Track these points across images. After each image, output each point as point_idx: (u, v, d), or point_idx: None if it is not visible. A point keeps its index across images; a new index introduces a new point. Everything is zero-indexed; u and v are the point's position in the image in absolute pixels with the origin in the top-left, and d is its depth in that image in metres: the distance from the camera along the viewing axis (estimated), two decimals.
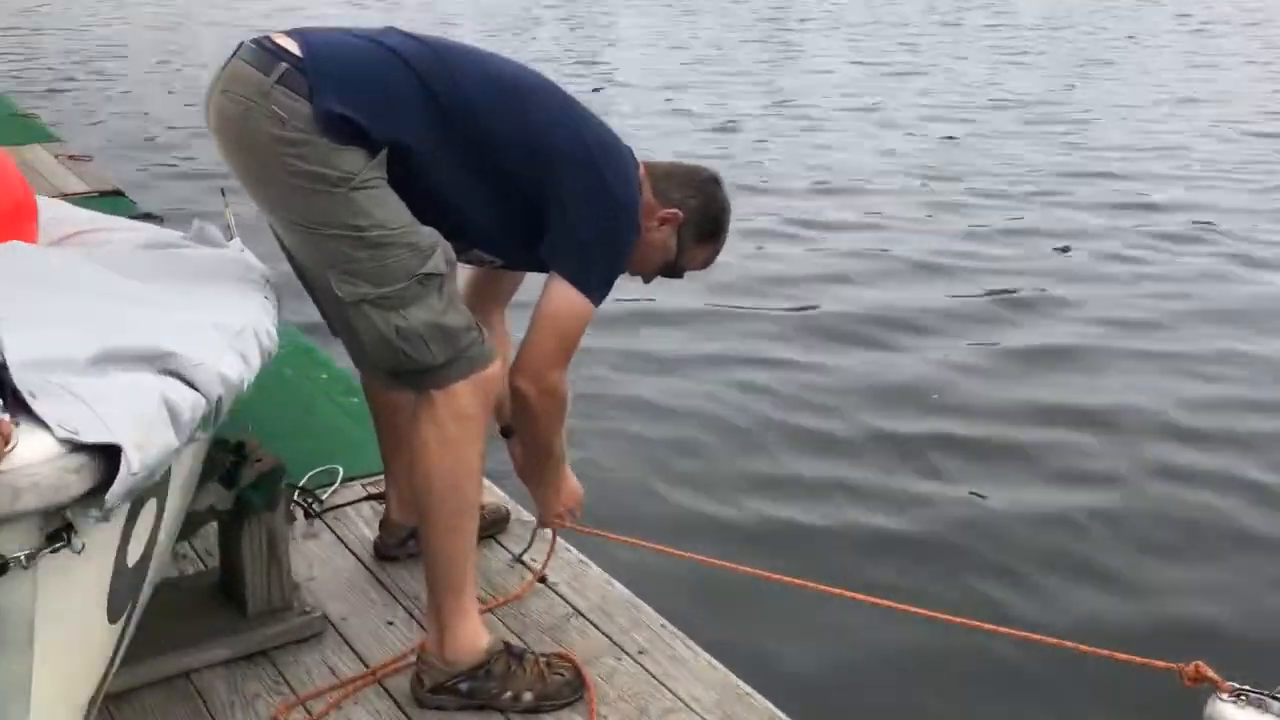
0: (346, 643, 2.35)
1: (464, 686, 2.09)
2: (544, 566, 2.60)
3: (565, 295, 2.08)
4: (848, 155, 9.20)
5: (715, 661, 2.32)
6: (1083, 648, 1.93)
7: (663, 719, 2.14)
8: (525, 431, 2.28)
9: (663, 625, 2.43)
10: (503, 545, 2.73)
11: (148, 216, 5.74)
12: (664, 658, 2.32)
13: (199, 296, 1.82)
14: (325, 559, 2.66)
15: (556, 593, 2.54)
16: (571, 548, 2.70)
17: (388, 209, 1.94)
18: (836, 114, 11.03)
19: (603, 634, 2.40)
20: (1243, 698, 1.58)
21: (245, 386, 1.62)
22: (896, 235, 7.06)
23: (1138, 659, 1.83)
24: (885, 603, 2.20)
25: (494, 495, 2.93)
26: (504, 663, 2.12)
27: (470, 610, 2.10)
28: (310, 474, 2.98)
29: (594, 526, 2.61)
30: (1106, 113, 11.10)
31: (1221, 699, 1.60)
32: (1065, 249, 6.82)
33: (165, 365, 1.42)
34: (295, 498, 2.87)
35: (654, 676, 2.26)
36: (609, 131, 2.18)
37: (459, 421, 1.98)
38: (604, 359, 4.82)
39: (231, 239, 2.46)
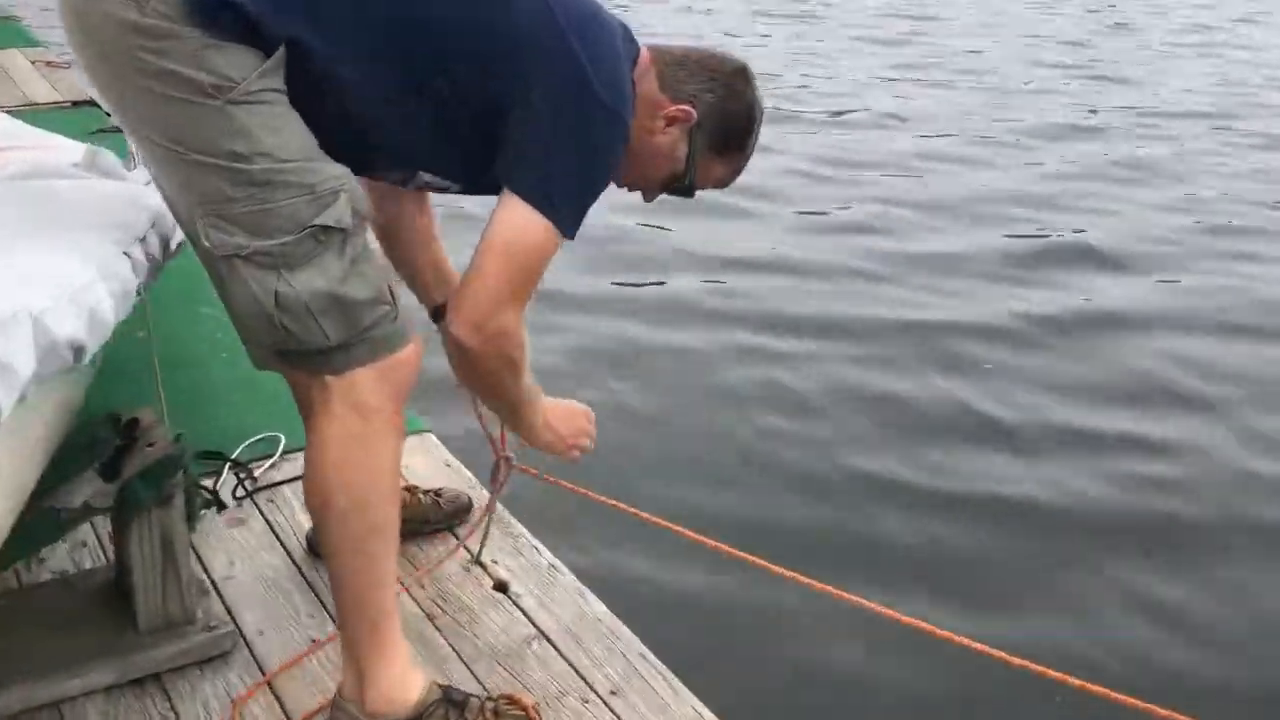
0: (258, 665, 1.94)
1: None
2: (467, 537, 2.25)
3: (520, 217, 1.59)
4: None
5: (704, 710, 1.89)
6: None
7: None
8: (474, 391, 1.81)
9: (642, 656, 2.00)
10: (461, 541, 2.30)
11: (118, 130, 5.30)
12: (641, 701, 1.90)
13: (14, 255, 1.37)
14: (250, 552, 2.24)
15: (519, 607, 2.12)
16: (541, 547, 2.28)
17: (280, 133, 1.47)
18: None
19: (569, 665, 1.97)
20: None
21: None
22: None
23: None
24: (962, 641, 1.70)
25: (458, 478, 2.51)
26: (440, 717, 1.70)
27: (394, 652, 1.68)
28: (247, 443, 2.56)
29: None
30: None
31: None
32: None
33: None
34: (226, 471, 2.47)
35: None
36: (593, 7, 1.66)
37: (362, 417, 1.54)
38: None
39: (134, 168, 2.02)
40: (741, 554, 1.97)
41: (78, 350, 1.34)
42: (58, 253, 1.44)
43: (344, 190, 1.50)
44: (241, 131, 1.44)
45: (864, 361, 4.22)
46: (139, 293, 1.56)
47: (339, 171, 1.51)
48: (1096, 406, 3.88)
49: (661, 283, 5.01)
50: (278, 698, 1.87)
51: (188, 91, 1.42)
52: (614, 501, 2.17)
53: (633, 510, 2.16)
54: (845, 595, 1.89)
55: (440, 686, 1.74)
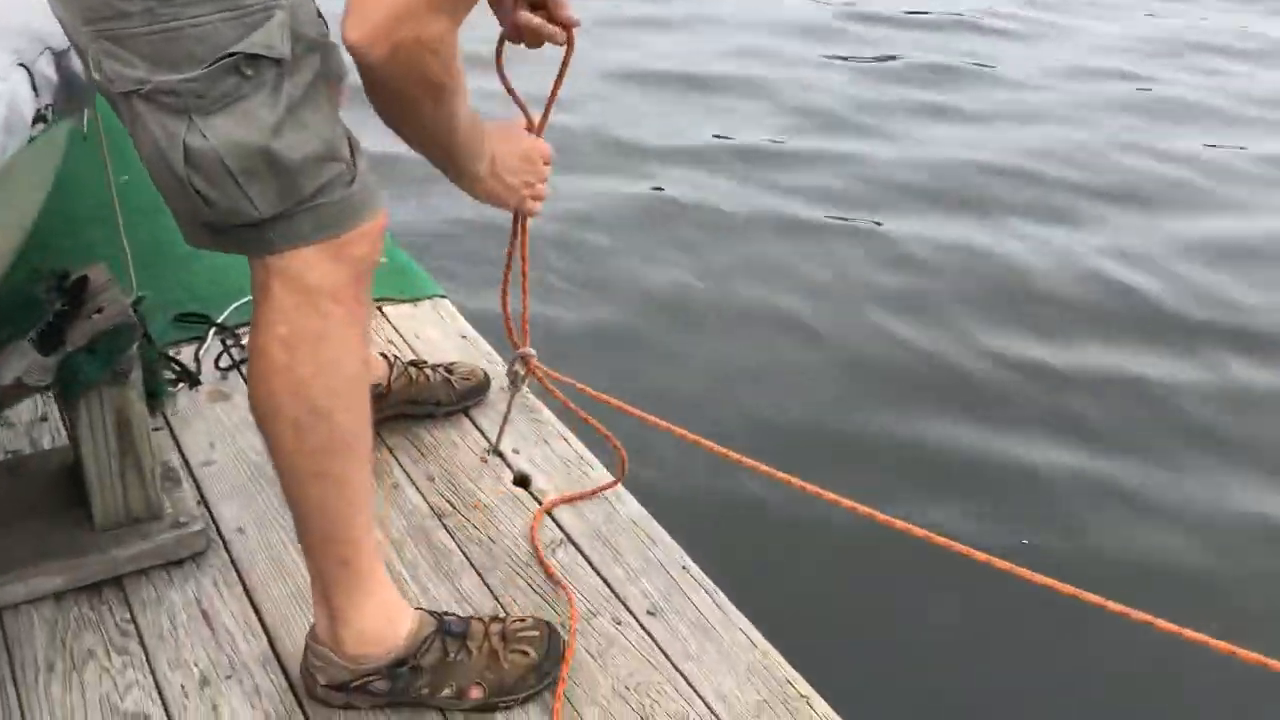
0: (236, 570, 1.66)
1: (380, 686, 1.40)
2: (500, 434, 1.91)
3: None
4: None
5: (757, 635, 1.60)
6: None
7: None
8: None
9: (684, 569, 1.70)
10: (478, 426, 1.99)
11: None
12: (685, 624, 1.61)
13: None
14: (233, 432, 1.94)
15: (541, 504, 1.82)
16: (570, 436, 1.97)
17: None
18: None
19: (600, 578, 1.68)
20: None
21: None
22: None
23: None
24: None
25: (475, 351, 2.19)
26: (438, 651, 1.41)
27: (374, 586, 1.38)
28: (234, 305, 2.24)
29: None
30: None
31: None
32: None
33: None
34: (210, 337, 2.16)
35: (667, 657, 1.55)
36: None
37: (313, 307, 1.20)
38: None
39: None
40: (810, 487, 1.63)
41: None
42: None
43: (279, 6, 1.12)
44: None
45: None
46: (44, 117, 1.22)
47: None
48: None
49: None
50: (256, 609, 1.59)
51: None
52: (653, 419, 1.79)
53: (691, 435, 1.77)
54: (910, 528, 1.53)
55: (435, 616, 1.44)
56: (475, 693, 1.42)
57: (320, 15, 1.23)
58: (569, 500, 1.81)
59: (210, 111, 1.10)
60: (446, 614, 1.46)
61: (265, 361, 1.23)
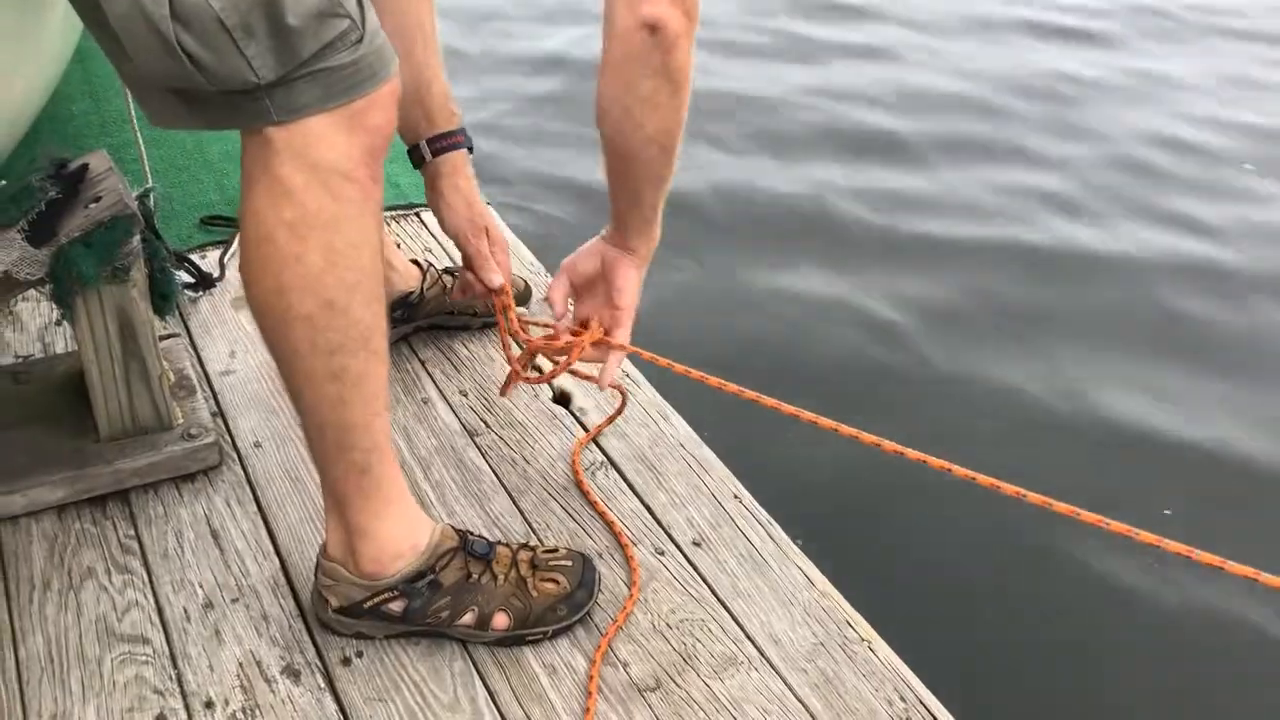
0: (250, 487, 1.53)
1: (396, 607, 1.27)
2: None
3: None
4: None
5: (815, 572, 1.44)
6: None
7: (721, 674, 1.30)
8: (644, 117, 1.19)
9: (736, 498, 1.55)
10: (517, 343, 1.84)
11: None
12: (734, 557, 1.45)
13: None
14: (255, 341, 1.81)
15: (584, 425, 1.67)
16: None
17: None
18: None
19: (643, 504, 1.53)
20: None
21: None
22: None
23: None
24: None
25: (515, 260, 2.03)
26: (460, 568, 1.28)
27: (394, 493, 1.24)
28: None
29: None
30: None
31: None
32: None
33: None
34: (237, 240, 2.02)
35: (714, 591, 1.40)
36: None
37: (325, 186, 1.05)
38: None
39: None
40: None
41: None
42: None
43: None
44: None
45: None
46: None
47: None
48: None
49: None
50: (269, 529, 1.47)
51: None
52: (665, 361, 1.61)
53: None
54: (975, 476, 1.34)
55: (457, 532, 1.31)
56: (500, 620, 1.28)
57: None
58: (609, 423, 1.66)
59: None
60: (468, 534, 1.32)
61: (270, 250, 1.08)
